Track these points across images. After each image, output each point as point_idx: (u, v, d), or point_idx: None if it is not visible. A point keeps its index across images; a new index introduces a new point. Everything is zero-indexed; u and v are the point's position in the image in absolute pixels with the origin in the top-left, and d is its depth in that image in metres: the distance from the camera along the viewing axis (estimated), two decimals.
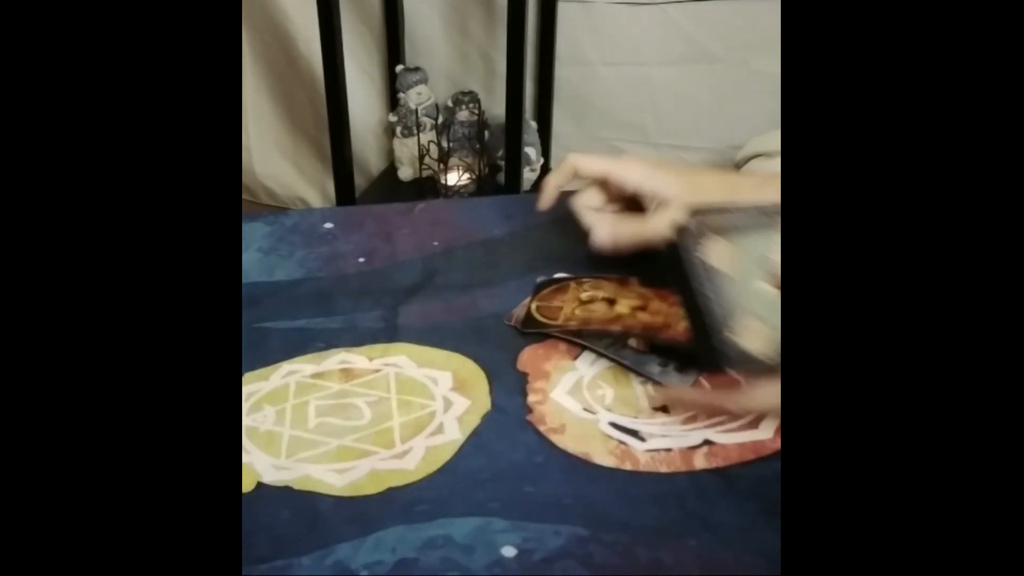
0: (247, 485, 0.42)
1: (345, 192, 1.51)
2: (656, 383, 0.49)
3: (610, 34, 1.49)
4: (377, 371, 0.50)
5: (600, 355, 0.51)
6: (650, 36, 1.47)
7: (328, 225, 0.66)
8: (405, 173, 1.64)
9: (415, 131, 1.58)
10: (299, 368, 0.50)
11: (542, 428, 0.46)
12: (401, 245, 0.63)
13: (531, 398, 0.48)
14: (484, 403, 0.48)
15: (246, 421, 0.46)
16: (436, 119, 1.60)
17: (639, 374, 0.49)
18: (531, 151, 1.54)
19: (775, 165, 0.50)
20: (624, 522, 0.40)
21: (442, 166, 1.56)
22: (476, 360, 0.51)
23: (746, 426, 0.46)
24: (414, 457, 0.44)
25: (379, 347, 0.52)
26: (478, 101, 1.56)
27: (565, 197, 0.60)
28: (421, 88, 1.58)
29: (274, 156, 1.78)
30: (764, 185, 0.51)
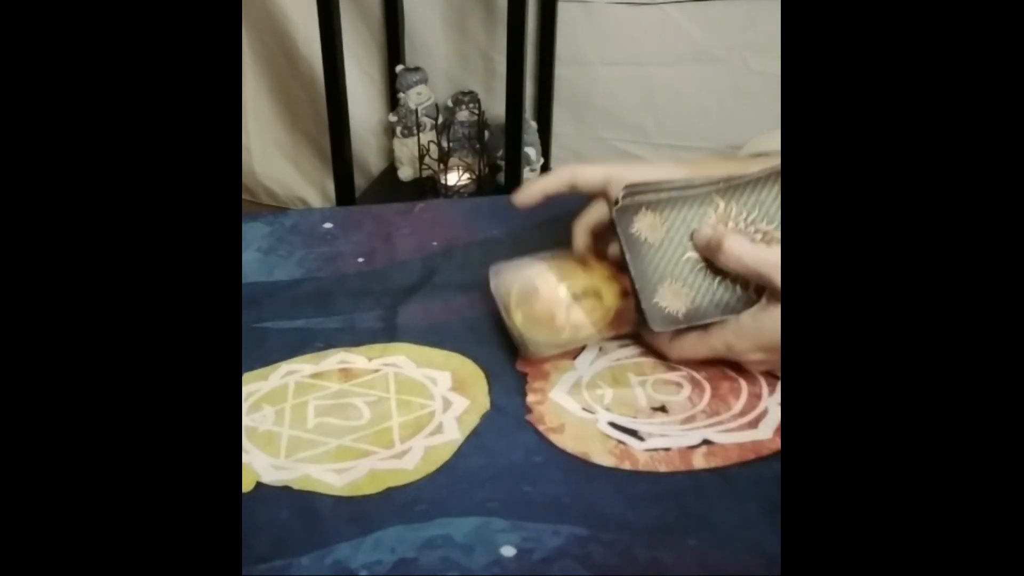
0: (246, 485, 0.42)
1: (345, 192, 1.51)
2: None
3: (610, 34, 1.49)
4: (376, 371, 0.50)
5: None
6: (650, 36, 1.47)
7: (328, 225, 0.66)
8: (405, 173, 1.64)
9: (415, 131, 1.58)
10: (298, 368, 0.50)
11: (541, 428, 0.46)
12: (401, 245, 0.63)
13: (530, 398, 0.48)
14: (483, 403, 0.48)
15: (245, 421, 0.46)
16: (436, 119, 1.60)
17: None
18: (531, 151, 1.54)
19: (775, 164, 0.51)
20: (623, 522, 0.40)
21: (442, 166, 1.56)
22: (475, 360, 0.51)
23: (746, 426, 0.46)
24: (413, 457, 0.44)
25: (378, 347, 0.52)
26: (478, 101, 1.56)
27: (562, 198, 0.59)
28: (421, 88, 1.58)
29: (274, 156, 1.78)
30: (743, 164, 0.51)
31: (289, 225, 0.66)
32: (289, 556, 0.38)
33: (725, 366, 0.50)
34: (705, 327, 0.49)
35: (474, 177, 1.56)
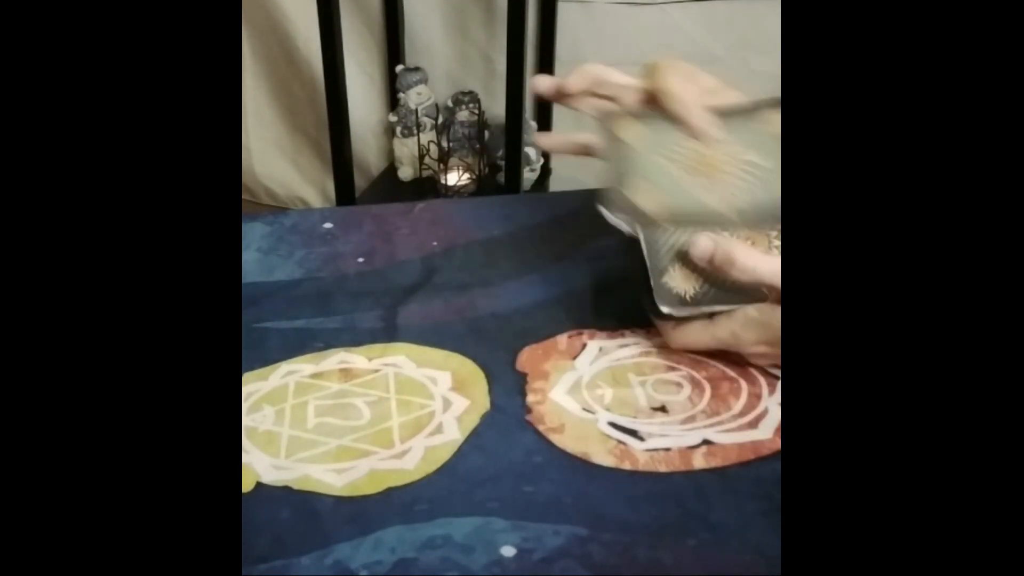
0: (246, 485, 0.42)
1: (345, 192, 1.51)
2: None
3: (610, 34, 1.49)
4: (376, 371, 0.50)
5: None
6: (650, 36, 1.47)
7: (327, 225, 0.66)
8: (405, 173, 1.64)
9: (415, 131, 1.58)
10: (298, 368, 0.50)
11: (541, 428, 0.46)
12: (400, 245, 0.63)
13: (530, 398, 0.48)
14: (483, 403, 0.48)
15: (245, 421, 0.46)
16: (436, 119, 1.60)
17: None
18: (531, 151, 1.54)
19: None
20: (623, 522, 0.40)
21: (442, 166, 1.56)
22: (475, 360, 0.51)
23: (746, 426, 0.46)
24: (413, 457, 0.44)
25: (378, 347, 0.52)
26: (478, 101, 1.57)
27: (562, 199, 0.59)
28: (421, 88, 1.58)
29: (274, 156, 1.78)
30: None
31: (289, 225, 0.66)
32: (289, 556, 0.38)
33: (725, 366, 0.50)
34: (711, 316, 0.49)
35: (474, 177, 1.56)
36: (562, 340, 0.53)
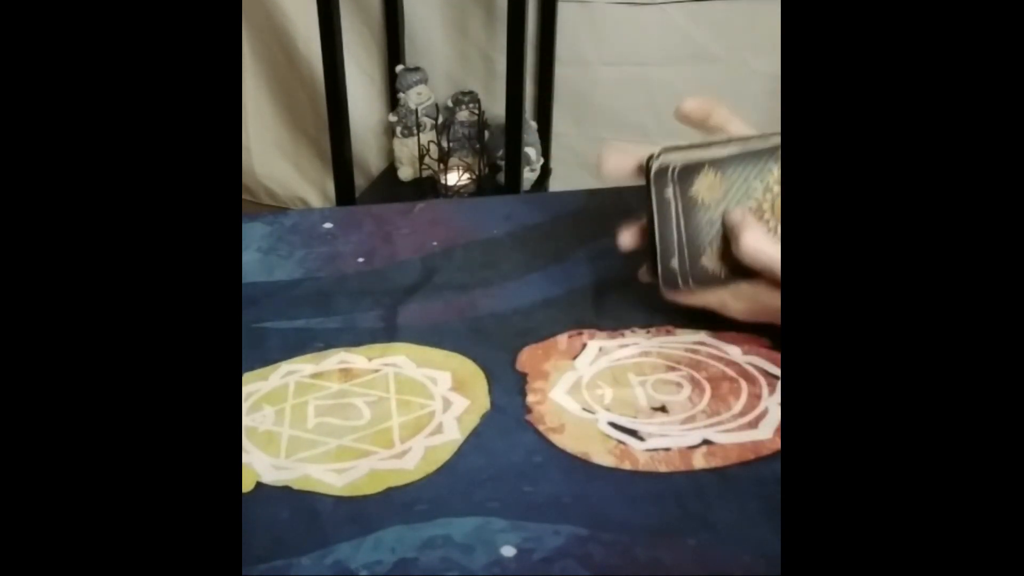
0: (246, 485, 0.42)
1: (345, 192, 1.51)
2: None
3: (610, 34, 1.49)
4: (376, 371, 0.50)
5: None
6: (650, 36, 1.47)
7: (327, 225, 0.66)
8: (405, 173, 1.64)
9: (415, 131, 1.58)
10: (298, 368, 0.50)
11: (541, 428, 0.46)
12: (400, 245, 0.63)
13: (530, 398, 0.48)
14: (483, 403, 0.48)
15: (245, 421, 0.46)
16: (436, 119, 1.60)
17: None
18: (531, 151, 1.54)
19: None
20: (623, 522, 0.40)
21: (442, 166, 1.56)
22: (475, 360, 0.51)
23: (746, 426, 0.46)
24: (413, 457, 0.44)
25: (378, 347, 0.52)
26: (478, 101, 1.57)
27: (562, 200, 0.60)
28: (421, 88, 1.58)
29: (274, 156, 1.78)
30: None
31: (289, 225, 0.66)
32: (289, 556, 0.38)
33: (725, 366, 0.50)
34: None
35: (474, 177, 1.56)
36: (562, 340, 0.53)
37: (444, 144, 1.55)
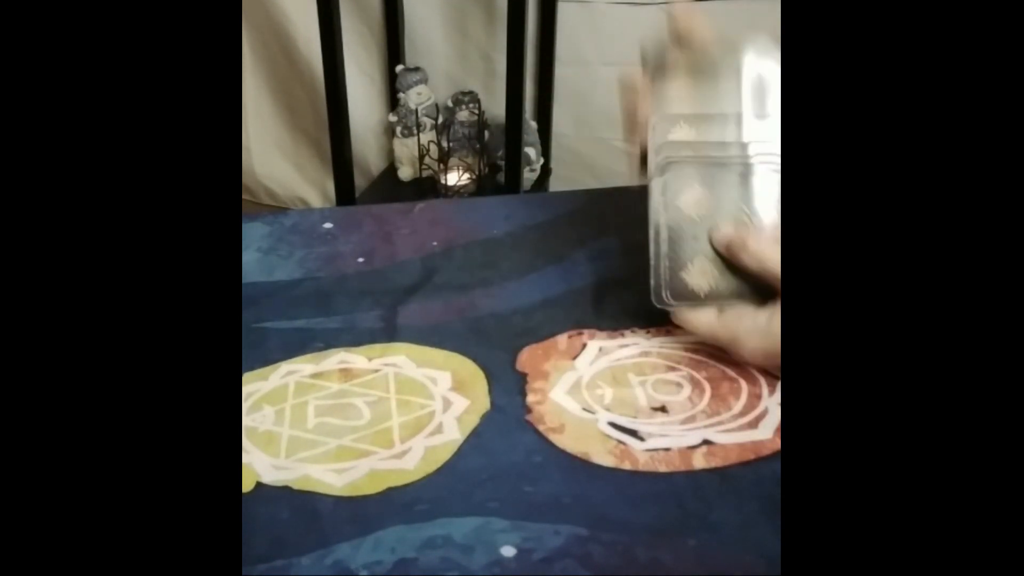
0: (246, 485, 0.42)
1: (345, 192, 1.51)
2: None
3: (610, 34, 1.49)
4: (376, 371, 0.50)
5: None
6: (650, 36, 1.47)
7: (327, 225, 0.66)
8: (405, 173, 1.64)
9: (415, 131, 1.58)
10: (298, 368, 0.50)
11: (541, 428, 0.46)
12: (400, 245, 0.63)
13: (530, 398, 0.48)
14: (483, 403, 0.48)
15: (245, 421, 0.46)
16: (436, 119, 1.60)
17: None
18: (531, 151, 1.54)
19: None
20: (623, 522, 0.40)
21: (442, 166, 1.56)
22: (475, 360, 0.51)
23: (746, 426, 0.46)
24: (413, 457, 0.44)
25: (378, 347, 0.52)
26: (478, 101, 1.57)
27: (561, 200, 0.59)
28: (421, 88, 1.58)
29: (274, 156, 1.78)
30: None
31: (289, 225, 0.66)
32: (289, 556, 0.38)
33: (725, 366, 0.50)
34: (720, 308, 0.50)
35: (474, 177, 1.56)
36: (562, 340, 0.53)
37: (444, 144, 1.55)
